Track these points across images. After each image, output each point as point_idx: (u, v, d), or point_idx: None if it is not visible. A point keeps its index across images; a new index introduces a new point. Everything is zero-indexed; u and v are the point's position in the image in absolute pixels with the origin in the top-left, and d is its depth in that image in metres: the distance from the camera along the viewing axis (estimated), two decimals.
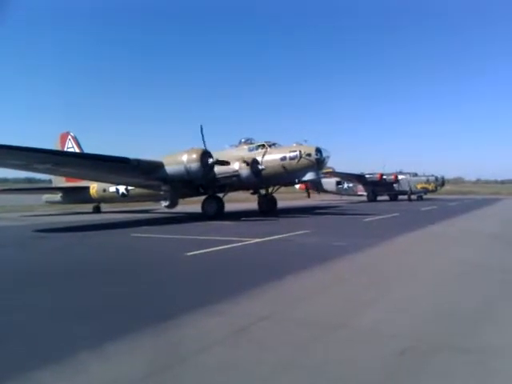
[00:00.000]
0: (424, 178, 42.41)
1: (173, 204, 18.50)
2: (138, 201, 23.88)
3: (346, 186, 43.46)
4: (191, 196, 20.25)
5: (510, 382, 2.96)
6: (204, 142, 17.04)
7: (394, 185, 41.16)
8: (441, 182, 44.02)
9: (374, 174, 40.70)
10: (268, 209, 21.64)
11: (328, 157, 19.48)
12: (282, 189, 23.36)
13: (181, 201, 20.10)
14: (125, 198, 22.20)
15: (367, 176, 40.74)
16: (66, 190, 24.20)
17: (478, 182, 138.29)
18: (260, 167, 17.96)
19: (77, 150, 24.37)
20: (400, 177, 41.46)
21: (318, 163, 18.95)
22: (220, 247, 9.31)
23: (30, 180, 71.17)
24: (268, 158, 18.96)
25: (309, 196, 27.05)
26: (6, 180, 69.04)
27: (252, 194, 22.30)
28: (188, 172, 16.30)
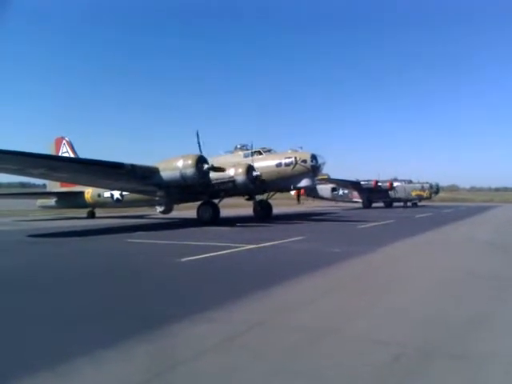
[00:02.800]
0: (419, 186, 42.69)
1: (168, 209, 18.46)
2: (132, 206, 23.82)
3: (341, 192, 43.58)
4: (186, 201, 20.22)
5: None
6: (200, 147, 17.07)
7: (389, 192, 41.33)
8: (435, 190, 44.38)
9: (370, 180, 40.88)
10: (263, 215, 21.63)
11: (323, 163, 19.54)
12: (278, 195, 23.38)
13: (176, 206, 20.08)
14: (119, 203, 22.12)
15: (362, 183, 40.89)
16: (60, 195, 24.08)
17: (472, 189, 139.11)
18: (255, 173, 17.96)
19: (71, 155, 24.29)
20: (395, 184, 41.68)
21: (314, 169, 19.00)
22: (215, 253, 9.28)
23: (23, 184, 70.75)
24: (263, 163, 18.98)
25: (299, 201, 27.57)
26: None
27: (247, 199, 22.29)
28: (183, 178, 16.26)
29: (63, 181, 21.85)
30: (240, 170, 17.46)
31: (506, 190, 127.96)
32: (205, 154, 16.97)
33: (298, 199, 27.04)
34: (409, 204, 42.49)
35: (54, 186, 24.88)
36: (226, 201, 21.66)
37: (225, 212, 22.37)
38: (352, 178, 41.90)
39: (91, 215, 24.89)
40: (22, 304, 5.21)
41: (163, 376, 3.09)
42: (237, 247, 10.22)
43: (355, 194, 42.29)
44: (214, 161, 17.80)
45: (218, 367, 3.23)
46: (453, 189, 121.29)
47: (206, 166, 16.60)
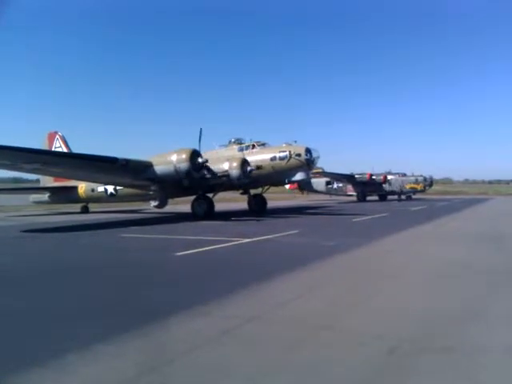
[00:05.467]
0: (413, 179, 42.89)
1: (162, 204, 18.39)
2: (126, 201, 23.70)
3: (335, 186, 43.74)
4: (180, 196, 20.16)
5: (494, 380, 2.98)
6: (200, 144, 17.10)
7: (384, 185, 41.51)
8: (429, 182, 44.58)
9: (364, 174, 41.04)
10: (258, 209, 21.62)
11: (318, 157, 19.53)
12: (272, 189, 23.39)
13: (170, 201, 20.02)
14: (113, 197, 22.02)
15: (357, 176, 41.03)
16: (53, 190, 23.93)
17: (466, 182, 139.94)
18: (249, 167, 17.93)
19: (65, 150, 24.11)
20: (389, 177, 41.84)
21: (308, 163, 18.99)
22: (209, 247, 9.27)
23: (16, 180, 70.10)
24: (258, 157, 18.95)
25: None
26: None
27: (242, 193, 22.26)
28: (177, 172, 16.22)
29: (57, 176, 21.70)
30: (234, 164, 17.42)
31: (499, 182, 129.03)
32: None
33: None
34: (403, 197, 42.71)
35: (48, 181, 24.71)
36: (221, 195, 21.64)
37: (219, 206, 22.36)
38: (346, 171, 42.10)
39: (85, 210, 24.79)
40: (15, 301, 5.19)
41: (160, 369, 3.08)
42: (232, 241, 10.21)
43: (349, 187, 42.46)
44: (208, 154, 17.76)
45: (214, 361, 3.23)
46: (447, 181, 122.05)
47: (200, 160, 16.57)
